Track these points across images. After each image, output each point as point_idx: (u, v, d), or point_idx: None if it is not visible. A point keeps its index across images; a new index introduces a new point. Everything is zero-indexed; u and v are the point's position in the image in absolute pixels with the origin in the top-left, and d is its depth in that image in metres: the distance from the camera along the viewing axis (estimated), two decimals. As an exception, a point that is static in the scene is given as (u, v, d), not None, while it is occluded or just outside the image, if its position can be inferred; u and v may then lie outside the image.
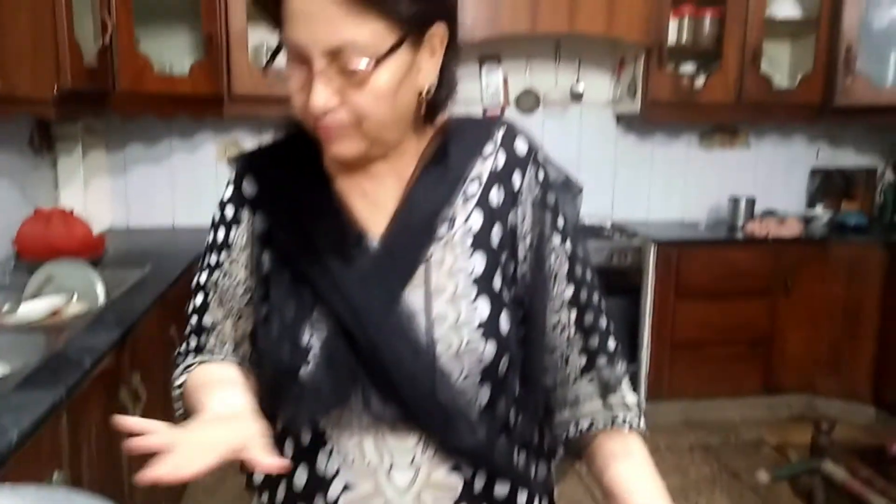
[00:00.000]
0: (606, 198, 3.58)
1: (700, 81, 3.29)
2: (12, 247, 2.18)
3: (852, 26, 3.20)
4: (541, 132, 3.36)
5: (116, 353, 1.59)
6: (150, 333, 1.86)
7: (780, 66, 3.54)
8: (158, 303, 1.94)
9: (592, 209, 3.46)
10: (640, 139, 3.59)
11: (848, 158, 3.77)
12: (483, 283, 0.80)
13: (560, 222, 0.86)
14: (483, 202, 0.83)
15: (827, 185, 3.75)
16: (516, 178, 0.84)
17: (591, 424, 0.86)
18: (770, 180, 3.70)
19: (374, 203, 0.83)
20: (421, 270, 0.80)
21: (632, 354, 3.18)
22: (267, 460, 0.68)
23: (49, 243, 2.12)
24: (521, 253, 0.84)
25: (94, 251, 2.22)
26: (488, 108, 3.36)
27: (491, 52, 3.31)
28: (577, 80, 3.43)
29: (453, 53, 0.80)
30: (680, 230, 3.42)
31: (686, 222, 3.58)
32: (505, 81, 3.38)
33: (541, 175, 0.86)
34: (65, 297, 1.80)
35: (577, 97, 3.45)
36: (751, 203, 3.44)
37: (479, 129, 0.87)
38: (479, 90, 3.34)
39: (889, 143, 3.72)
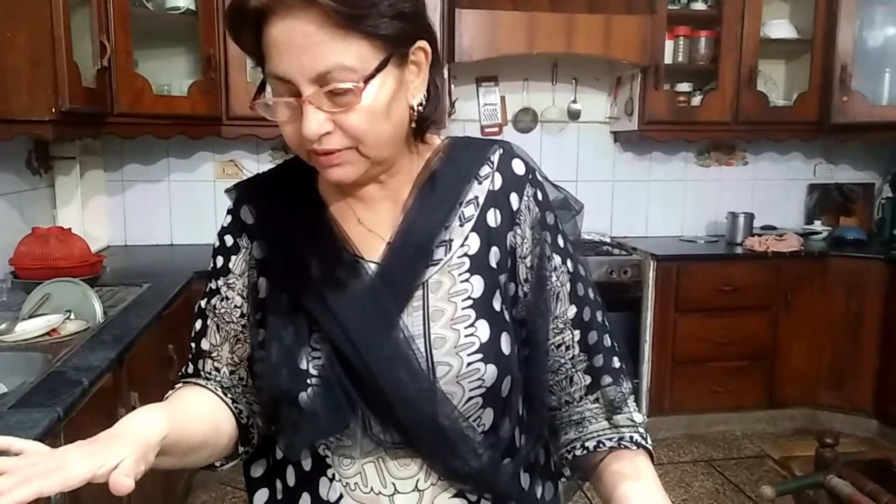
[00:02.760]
0: (605, 214, 3.59)
1: (696, 100, 3.32)
2: (9, 266, 2.17)
3: (847, 45, 3.23)
4: (539, 150, 3.38)
5: (114, 372, 1.58)
6: (147, 352, 1.85)
7: (776, 84, 3.57)
8: (156, 321, 1.93)
9: (591, 225, 3.47)
10: (638, 157, 3.60)
11: (845, 174, 3.79)
12: (482, 306, 0.80)
13: (560, 242, 0.85)
14: (480, 224, 0.83)
15: (825, 200, 3.76)
16: (514, 199, 0.84)
17: (598, 444, 0.85)
18: (768, 196, 3.71)
19: (370, 228, 0.83)
20: (419, 294, 0.79)
21: (633, 370, 3.16)
22: (115, 478, 0.61)
23: (46, 262, 2.11)
24: (521, 273, 0.84)
25: (91, 269, 2.21)
26: (486, 126, 3.38)
27: (488, 72, 3.33)
28: (575, 99, 3.46)
29: (437, 69, 0.80)
30: (679, 246, 3.43)
31: (685, 238, 3.59)
32: (502, 100, 3.40)
33: (539, 195, 0.85)
34: (62, 315, 1.78)
35: (574, 115, 3.47)
36: (749, 218, 3.45)
37: (475, 151, 0.86)
38: (476, 109, 3.36)
39: (885, 159, 3.74)
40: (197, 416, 0.80)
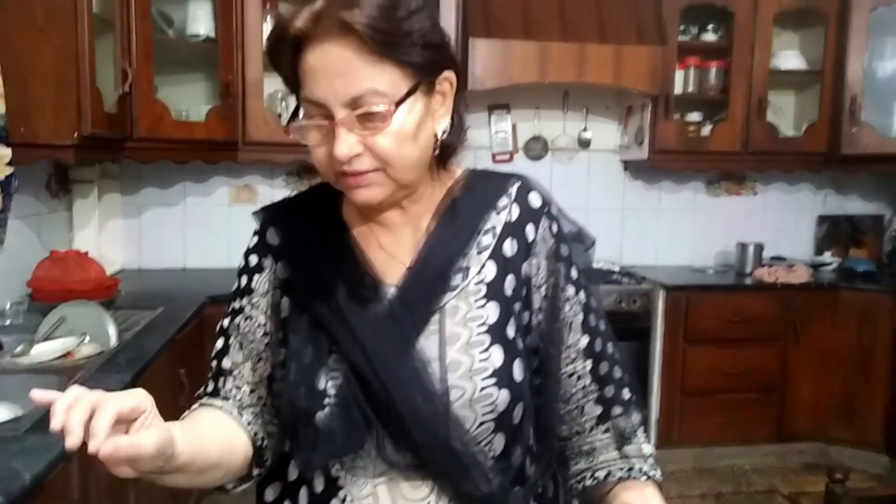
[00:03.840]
0: (615, 243, 3.59)
1: (706, 130, 3.34)
2: (26, 288, 2.20)
3: (856, 77, 3.26)
4: (549, 178, 3.41)
5: (127, 396, 1.58)
6: (160, 375, 1.87)
7: (786, 115, 3.59)
8: (169, 345, 1.95)
9: (601, 254, 3.46)
10: (648, 185, 3.62)
11: (855, 206, 3.79)
12: (496, 332, 0.82)
13: (574, 273, 0.88)
14: (497, 253, 0.85)
15: (834, 231, 3.76)
16: (530, 231, 0.87)
17: (608, 474, 0.86)
18: (778, 227, 3.71)
19: (390, 253, 0.85)
20: (435, 319, 0.81)
21: (642, 400, 3.14)
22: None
23: (63, 285, 2.13)
24: (535, 303, 0.86)
25: (107, 293, 2.24)
26: (497, 154, 3.41)
27: (500, 101, 3.37)
28: (585, 128, 3.49)
29: (461, 98, 0.84)
30: (689, 275, 3.42)
31: (694, 268, 3.59)
32: (514, 128, 3.44)
33: (554, 227, 0.88)
34: (77, 338, 1.80)
35: (584, 144, 3.50)
36: (759, 249, 3.45)
37: (494, 183, 0.90)
38: (488, 137, 3.40)
39: (895, 191, 3.74)
40: (212, 436, 0.82)
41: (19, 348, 1.76)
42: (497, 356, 0.80)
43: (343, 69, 0.73)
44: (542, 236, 0.87)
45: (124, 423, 0.64)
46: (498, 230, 0.86)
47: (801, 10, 3.31)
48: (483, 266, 0.84)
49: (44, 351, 1.74)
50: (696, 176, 3.63)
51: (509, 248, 0.86)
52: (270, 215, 0.91)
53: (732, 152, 3.31)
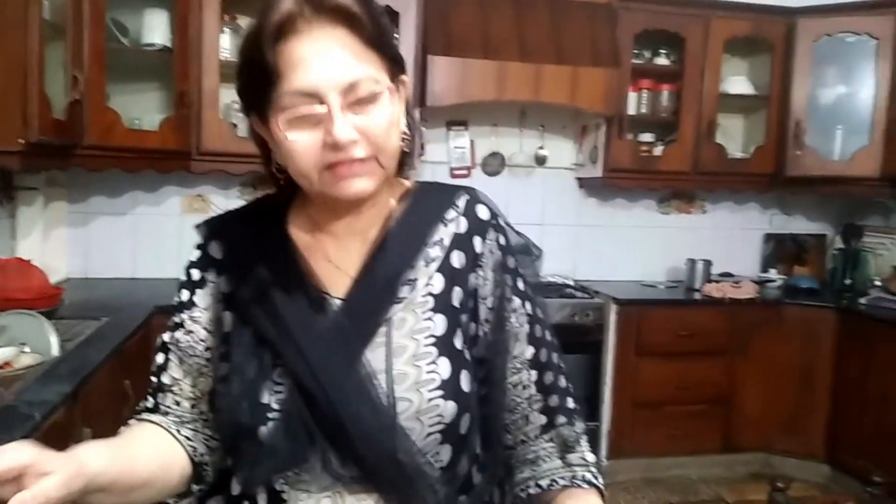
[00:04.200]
0: (569, 258, 3.65)
1: (658, 150, 3.43)
2: (-35, 297, 2.12)
3: (801, 102, 3.39)
4: (506, 194, 3.45)
5: (67, 407, 1.54)
6: (103, 387, 1.82)
7: (734, 137, 3.71)
8: (113, 356, 1.90)
9: (555, 268, 3.52)
10: (602, 203, 3.69)
11: (799, 225, 3.93)
12: (443, 344, 0.82)
13: (520, 285, 0.89)
14: (445, 265, 0.86)
15: (780, 249, 3.89)
16: (477, 243, 0.88)
17: (552, 483, 0.87)
18: (726, 244, 3.82)
19: (337, 266, 0.85)
20: (382, 331, 0.81)
21: (593, 412, 3.19)
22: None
23: (3, 293, 2.06)
24: (482, 314, 0.87)
25: (50, 301, 2.17)
26: (455, 169, 3.44)
27: (459, 117, 3.41)
28: (542, 146, 3.54)
29: (409, 105, 0.87)
30: (640, 290, 3.49)
31: (646, 283, 3.66)
32: (472, 144, 3.47)
33: (501, 240, 0.89)
34: (16, 348, 1.75)
35: (541, 161, 3.55)
36: (708, 265, 3.54)
37: (443, 195, 0.90)
38: (446, 152, 3.42)
39: (837, 212, 3.89)
40: (144, 454, 0.80)
41: (-45, 359, 1.69)
42: (444, 368, 0.81)
43: (337, 56, 0.74)
44: (489, 248, 0.88)
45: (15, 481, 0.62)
46: (446, 242, 0.87)
47: (749, 38, 3.44)
48: (431, 278, 0.85)
49: (-19, 362, 1.68)
50: (649, 194, 3.72)
51: (457, 259, 0.86)
52: (213, 228, 0.89)
53: (683, 172, 3.41)
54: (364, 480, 0.79)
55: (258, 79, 0.76)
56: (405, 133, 0.84)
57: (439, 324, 0.83)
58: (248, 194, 3.21)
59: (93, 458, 0.69)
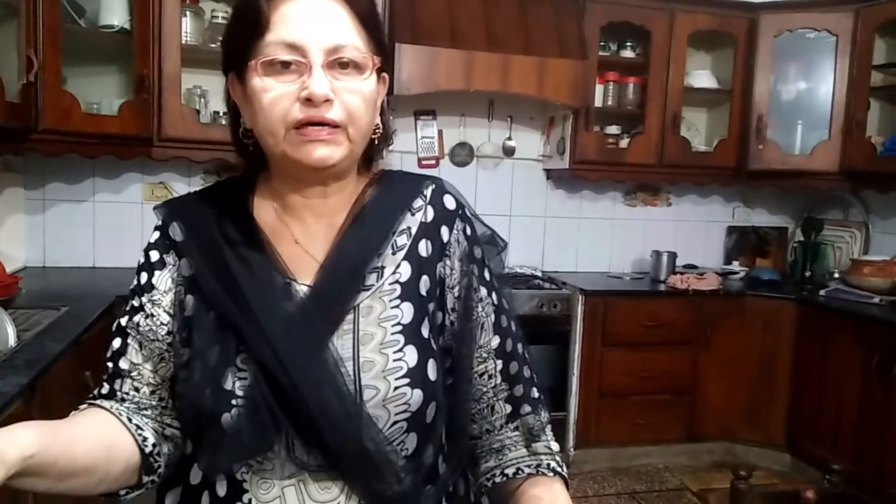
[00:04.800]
0: (537, 249, 3.67)
1: (624, 142, 3.46)
2: (-86, 286, 2.05)
3: (763, 97, 3.45)
4: (474, 184, 3.45)
5: (25, 399, 1.50)
6: (62, 379, 1.77)
7: (699, 131, 3.77)
8: (73, 346, 1.85)
9: (523, 259, 3.54)
10: (569, 194, 3.72)
11: (761, 218, 4.01)
12: (411, 332, 0.82)
13: (487, 275, 0.89)
14: (412, 254, 0.85)
15: (743, 242, 3.97)
16: (444, 232, 0.88)
17: (517, 471, 0.88)
18: (690, 236, 3.88)
19: (303, 250, 0.84)
20: (349, 318, 0.81)
21: (561, 402, 3.22)
22: None
23: (-44, 283, 2.00)
24: (449, 303, 0.87)
25: (6, 291, 2.11)
26: (423, 159, 3.42)
27: (427, 106, 3.39)
28: (510, 136, 3.55)
29: (384, 104, 0.87)
30: (606, 281, 3.53)
31: (612, 274, 3.71)
32: (440, 134, 3.46)
33: (468, 230, 0.89)
34: (-30, 340, 1.69)
35: (509, 152, 3.55)
36: (672, 257, 3.60)
37: (410, 184, 0.90)
38: (414, 142, 3.41)
39: (798, 205, 3.98)
40: (86, 439, 0.76)
41: None
42: (411, 356, 0.80)
43: (328, 19, 0.77)
44: (456, 238, 0.88)
45: None
46: (413, 231, 0.86)
47: (713, 32, 3.48)
48: (398, 266, 0.84)
49: (-69, 353, 1.62)
50: (615, 186, 3.75)
51: (424, 248, 0.86)
52: (174, 210, 0.87)
53: (648, 164, 3.45)
54: (329, 468, 0.78)
55: (246, 29, 0.78)
56: (377, 126, 0.85)
57: (406, 312, 0.83)
58: (211, 181, 3.14)
59: (15, 443, 0.65)
